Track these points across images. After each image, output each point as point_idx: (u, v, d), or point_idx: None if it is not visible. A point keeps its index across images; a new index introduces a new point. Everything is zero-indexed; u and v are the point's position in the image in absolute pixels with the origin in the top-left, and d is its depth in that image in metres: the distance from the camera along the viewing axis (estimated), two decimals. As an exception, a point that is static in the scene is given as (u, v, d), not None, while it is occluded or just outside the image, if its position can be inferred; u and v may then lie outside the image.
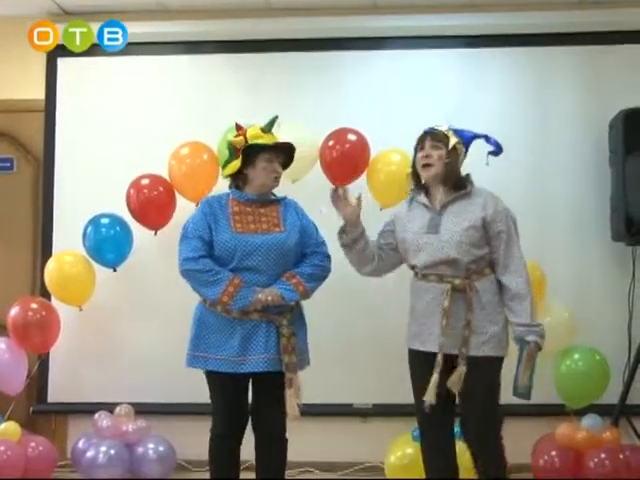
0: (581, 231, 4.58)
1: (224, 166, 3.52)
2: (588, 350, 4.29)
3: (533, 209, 4.55)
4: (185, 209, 4.47)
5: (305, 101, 4.67)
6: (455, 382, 3.15)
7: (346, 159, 4.39)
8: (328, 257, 3.47)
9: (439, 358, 3.15)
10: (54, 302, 4.58)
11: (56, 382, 4.70)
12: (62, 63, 4.77)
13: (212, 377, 3.37)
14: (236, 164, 3.38)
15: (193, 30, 4.74)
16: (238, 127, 3.48)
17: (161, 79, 4.83)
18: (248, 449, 3.41)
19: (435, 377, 3.15)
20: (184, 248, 3.34)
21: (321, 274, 3.43)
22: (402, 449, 4.15)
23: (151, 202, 4.47)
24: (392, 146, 4.41)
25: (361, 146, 4.44)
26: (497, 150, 3.35)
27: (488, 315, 3.21)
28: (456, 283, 3.18)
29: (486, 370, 3.19)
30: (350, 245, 3.33)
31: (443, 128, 3.33)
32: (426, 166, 3.28)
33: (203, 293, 3.32)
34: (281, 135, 3.65)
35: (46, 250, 4.75)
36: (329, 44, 4.74)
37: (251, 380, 3.36)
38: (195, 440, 4.28)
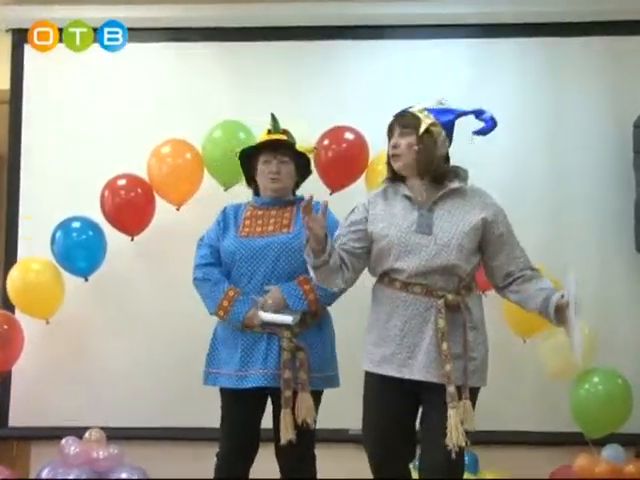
0: (602, 241, 4.53)
1: None
2: (609, 372, 4.21)
3: (549, 216, 4.54)
4: (165, 213, 4.45)
5: (298, 96, 4.64)
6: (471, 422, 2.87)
7: (343, 160, 4.34)
8: None
9: (451, 390, 2.82)
10: (18, 315, 4.50)
11: (18, 404, 4.62)
12: (29, 51, 4.69)
13: (221, 394, 3.41)
14: (244, 172, 3.56)
15: (177, 15, 4.70)
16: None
17: (140, 70, 4.77)
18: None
19: (451, 414, 2.82)
20: (196, 256, 3.50)
21: None
22: None
23: (128, 205, 4.41)
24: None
25: (359, 146, 4.39)
26: (487, 128, 3.02)
27: (479, 336, 2.98)
28: (449, 299, 2.90)
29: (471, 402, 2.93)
30: (319, 266, 2.93)
31: (415, 109, 3.02)
32: (394, 157, 3.01)
33: (205, 306, 3.42)
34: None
35: (9, 257, 4.68)
36: (326, 32, 4.71)
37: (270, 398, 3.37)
38: (172, 468, 4.29)
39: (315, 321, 3.37)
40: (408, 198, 3.01)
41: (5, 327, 4.38)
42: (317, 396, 3.33)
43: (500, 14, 4.62)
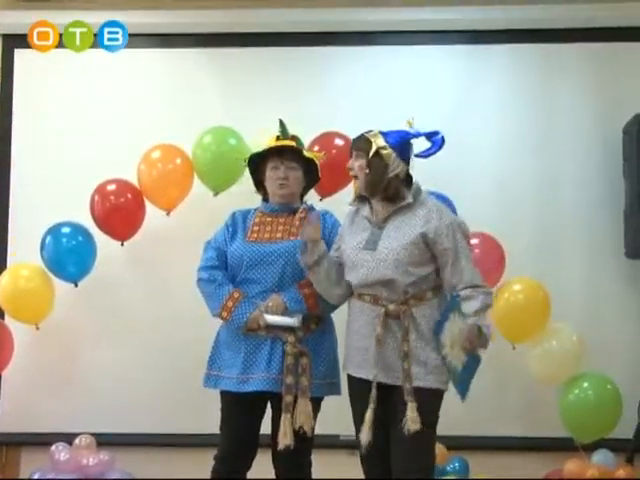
0: (591, 247, 4.54)
1: None
2: (599, 378, 4.23)
3: (538, 222, 4.54)
4: (155, 218, 4.44)
5: (289, 101, 4.60)
6: (415, 422, 2.97)
7: (332, 166, 4.32)
8: None
9: (373, 392, 3.03)
10: (7, 320, 4.50)
11: (8, 410, 4.61)
12: (20, 54, 4.70)
13: (222, 397, 3.38)
14: (253, 178, 3.57)
15: (168, 21, 4.71)
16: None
17: (131, 74, 4.78)
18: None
19: (369, 414, 3.04)
20: (201, 258, 3.49)
21: None
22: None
23: (118, 210, 4.41)
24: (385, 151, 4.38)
25: (349, 152, 4.38)
26: (430, 152, 3.16)
27: (428, 344, 3.06)
28: (390, 309, 3.06)
29: (428, 403, 3.04)
30: (314, 266, 3.17)
31: (370, 133, 3.19)
32: (353, 178, 3.22)
33: (208, 307, 3.40)
34: (259, 139, 3.63)
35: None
36: (316, 38, 4.72)
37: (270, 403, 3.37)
38: (163, 475, 4.26)
39: (318, 327, 3.37)
40: (367, 218, 3.21)
41: (-6, 333, 4.35)
42: (317, 403, 3.32)
43: (492, 20, 4.63)
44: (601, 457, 4.09)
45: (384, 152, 3.12)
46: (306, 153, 3.53)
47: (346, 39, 4.72)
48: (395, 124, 4.51)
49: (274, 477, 3.38)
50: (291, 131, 3.55)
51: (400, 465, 3.06)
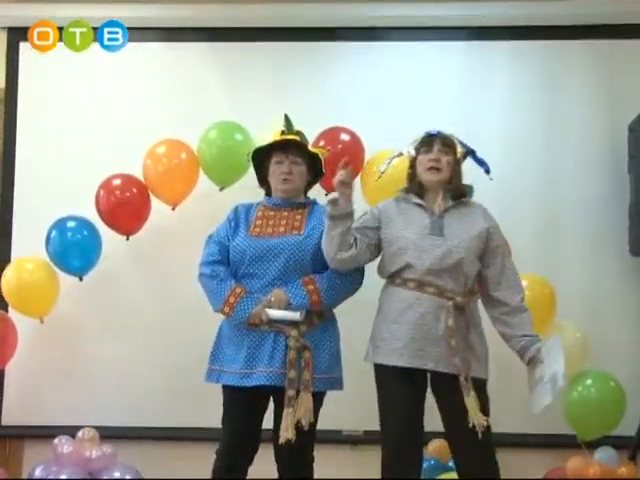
0: (596, 244, 4.53)
1: None
2: (602, 375, 4.23)
3: (542, 219, 4.54)
4: (160, 213, 4.45)
5: (294, 97, 4.62)
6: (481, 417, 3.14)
7: (338, 161, 4.32)
8: (358, 268, 3.40)
9: (462, 380, 3.13)
10: (12, 313, 4.50)
11: (11, 402, 4.62)
12: (25, 48, 4.69)
13: (224, 391, 3.38)
14: (257, 173, 3.58)
15: (172, 15, 4.70)
16: None
17: (136, 69, 4.76)
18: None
19: (466, 400, 3.13)
20: (203, 253, 3.49)
21: (346, 285, 3.37)
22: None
23: (123, 205, 4.41)
24: (388, 147, 4.36)
25: (355, 147, 4.38)
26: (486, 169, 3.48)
27: (480, 336, 3.31)
28: (458, 301, 3.20)
29: (484, 393, 3.25)
30: (338, 219, 3.24)
31: (453, 135, 3.40)
32: (433, 169, 3.31)
33: (210, 302, 3.41)
34: (265, 134, 3.62)
35: (4, 256, 4.66)
36: (320, 34, 4.72)
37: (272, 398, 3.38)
38: (166, 468, 4.27)
39: (321, 321, 3.37)
40: (420, 206, 3.33)
41: (-1, 325, 4.37)
42: (320, 398, 3.33)
43: (495, 17, 4.63)
44: (604, 454, 4.08)
45: (461, 157, 3.39)
46: (310, 148, 3.52)
47: (351, 35, 4.72)
48: (398, 119, 4.56)
49: (276, 472, 3.38)
50: (295, 125, 3.55)
51: (475, 461, 3.21)
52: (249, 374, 3.26)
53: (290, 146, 3.46)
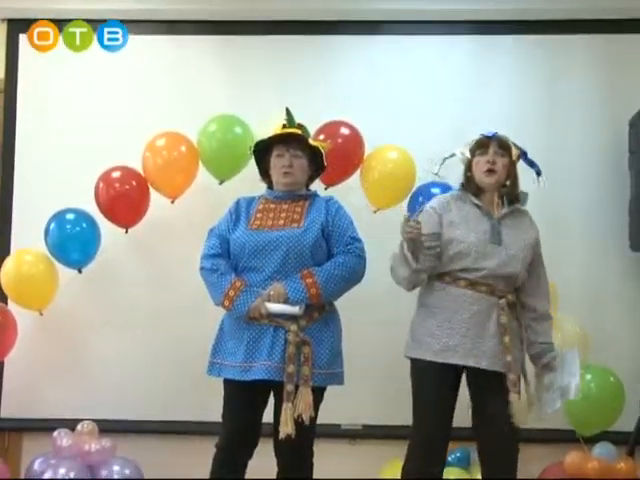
0: (596, 239, 4.53)
1: None
2: (601, 371, 4.24)
3: (543, 214, 4.42)
4: (160, 206, 4.44)
5: (294, 90, 4.60)
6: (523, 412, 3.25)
7: (338, 155, 4.33)
8: (359, 257, 3.39)
9: (513, 377, 3.21)
10: (11, 306, 4.50)
11: (10, 395, 4.60)
12: (24, 41, 4.66)
13: (225, 385, 3.39)
14: (258, 166, 3.58)
15: (173, 8, 4.68)
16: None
17: (136, 62, 4.73)
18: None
19: (514, 399, 3.20)
20: (204, 246, 3.51)
21: (345, 276, 3.35)
22: (394, 474, 4.06)
23: (122, 197, 4.40)
24: (389, 142, 4.37)
25: (354, 141, 4.38)
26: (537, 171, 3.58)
27: (521, 335, 3.41)
28: (510, 298, 3.32)
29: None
30: (421, 270, 3.31)
31: (509, 139, 3.45)
32: (490, 172, 3.36)
33: (210, 296, 3.42)
34: (264, 128, 3.65)
35: (3, 248, 4.65)
36: (322, 27, 4.69)
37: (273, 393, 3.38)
38: (165, 462, 4.28)
39: (322, 315, 3.37)
40: (478, 207, 3.40)
41: (-2, 318, 4.36)
42: (320, 393, 3.32)
43: (497, 11, 4.61)
44: (602, 450, 4.09)
45: (516, 160, 3.46)
46: (311, 142, 3.52)
47: (353, 28, 4.70)
48: (400, 113, 4.55)
49: (276, 467, 3.38)
50: (295, 118, 3.55)
51: (503, 461, 3.32)
52: (249, 368, 3.26)
53: (291, 139, 3.45)
